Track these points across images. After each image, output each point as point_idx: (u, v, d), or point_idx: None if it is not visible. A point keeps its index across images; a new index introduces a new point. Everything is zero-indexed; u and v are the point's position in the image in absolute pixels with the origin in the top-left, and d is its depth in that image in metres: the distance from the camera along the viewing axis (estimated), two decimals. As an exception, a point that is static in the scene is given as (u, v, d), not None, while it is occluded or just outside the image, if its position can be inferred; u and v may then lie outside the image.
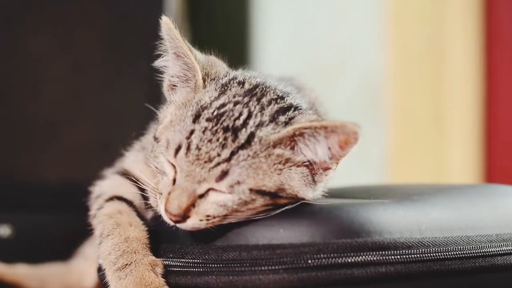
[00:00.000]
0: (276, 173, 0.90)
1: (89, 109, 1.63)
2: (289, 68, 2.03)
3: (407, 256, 0.89)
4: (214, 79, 0.97)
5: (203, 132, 0.90)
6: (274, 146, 0.90)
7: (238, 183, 0.89)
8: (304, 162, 0.92)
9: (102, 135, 1.62)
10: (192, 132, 0.90)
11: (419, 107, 2.33)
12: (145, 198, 1.00)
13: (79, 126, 1.63)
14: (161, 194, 0.92)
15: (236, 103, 0.92)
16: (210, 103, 0.93)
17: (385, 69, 2.29)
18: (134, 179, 1.01)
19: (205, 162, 0.89)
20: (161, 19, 0.96)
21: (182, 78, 0.98)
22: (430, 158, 2.33)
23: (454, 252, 0.92)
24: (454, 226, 0.95)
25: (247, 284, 0.88)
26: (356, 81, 2.30)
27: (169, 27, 0.96)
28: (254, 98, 0.93)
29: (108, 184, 1.06)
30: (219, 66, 1.00)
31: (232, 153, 0.88)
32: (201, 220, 0.90)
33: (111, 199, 1.02)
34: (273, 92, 0.96)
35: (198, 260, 0.91)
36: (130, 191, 1.02)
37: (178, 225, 0.91)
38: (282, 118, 0.92)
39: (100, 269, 0.97)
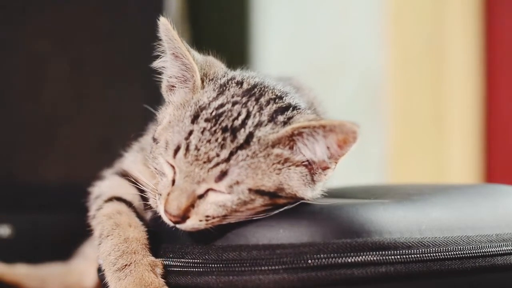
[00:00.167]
0: (275, 173, 0.90)
1: (89, 109, 1.63)
2: (289, 68, 2.03)
3: (407, 256, 0.89)
4: (212, 79, 0.97)
5: (202, 132, 0.90)
6: (273, 146, 0.90)
7: (237, 183, 0.89)
8: (303, 162, 0.92)
9: (102, 135, 1.62)
10: (190, 132, 0.90)
11: (419, 107, 2.33)
12: (144, 199, 1.00)
13: (79, 126, 1.63)
14: (160, 195, 0.92)
15: (234, 103, 0.92)
16: (209, 104, 0.93)
17: (385, 69, 2.29)
18: (133, 180, 1.01)
19: (204, 162, 0.88)
20: (159, 19, 0.96)
21: (181, 79, 0.98)
22: (430, 158, 2.33)
23: (454, 252, 0.92)
24: (454, 226, 0.95)
25: (247, 284, 0.88)
26: (356, 81, 2.30)
27: (167, 28, 0.95)
28: (253, 98, 0.93)
29: (107, 185, 1.06)
30: (217, 66, 1.00)
31: (231, 153, 0.88)
32: (200, 221, 0.90)
33: (110, 199, 1.02)
34: (272, 92, 0.96)
35: (198, 260, 0.91)
36: (129, 192, 1.02)
37: (177, 225, 0.91)
38: (280, 118, 0.92)
39: (100, 270, 0.97)
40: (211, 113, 0.91)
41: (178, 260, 0.93)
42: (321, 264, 0.87)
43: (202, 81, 0.96)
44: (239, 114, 0.91)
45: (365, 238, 0.88)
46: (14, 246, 1.56)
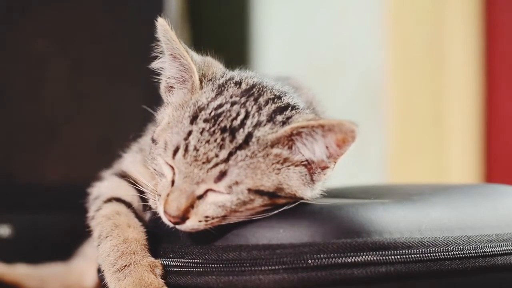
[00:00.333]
0: (275, 172, 0.90)
1: (89, 109, 1.63)
2: (289, 68, 2.03)
3: (407, 256, 0.89)
4: (211, 80, 0.97)
5: (201, 133, 0.89)
6: (272, 146, 0.90)
7: (237, 183, 0.89)
8: (302, 162, 0.92)
9: (102, 135, 1.62)
10: (189, 133, 0.90)
11: (419, 107, 2.33)
12: (144, 199, 1.00)
13: (79, 126, 1.63)
14: (159, 196, 0.92)
15: (233, 104, 0.92)
16: (207, 104, 0.92)
17: (385, 69, 2.29)
18: (132, 181, 1.01)
19: (203, 163, 0.88)
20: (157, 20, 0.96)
21: (179, 80, 0.98)
22: (430, 158, 2.33)
23: (454, 252, 0.92)
24: (454, 226, 0.95)
25: (247, 284, 0.88)
26: (356, 81, 2.29)
27: (165, 29, 0.95)
28: (251, 98, 0.93)
29: (106, 185, 1.06)
30: (216, 66, 1.00)
31: (230, 154, 0.88)
32: (200, 221, 0.90)
33: (109, 200, 1.02)
34: (270, 92, 0.95)
35: (198, 260, 0.91)
36: (128, 193, 1.02)
37: (177, 226, 0.91)
38: (279, 118, 0.92)
39: (100, 270, 0.97)
40: (210, 114, 0.91)
41: (178, 260, 0.93)
42: (321, 264, 0.87)
43: (201, 82, 0.96)
44: (238, 114, 0.91)
45: (365, 238, 0.88)
46: (14, 246, 1.57)
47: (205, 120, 0.90)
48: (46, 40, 1.61)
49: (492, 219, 0.99)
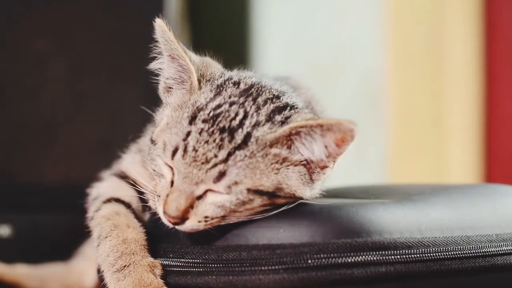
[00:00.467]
0: (274, 172, 0.90)
1: (89, 109, 1.63)
2: (289, 68, 2.03)
3: (407, 256, 0.89)
4: (209, 80, 0.97)
5: (200, 133, 0.89)
6: (271, 146, 0.90)
7: (236, 183, 0.88)
8: (301, 161, 0.92)
9: (102, 135, 1.62)
10: (188, 133, 0.90)
11: (419, 107, 2.33)
12: (143, 200, 1.00)
13: (79, 126, 1.63)
14: (159, 196, 0.92)
15: (232, 104, 0.92)
16: (206, 104, 0.92)
17: (385, 69, 2.29)
18: (131, 181, 1.01)
19: (202, 163, 0.88)
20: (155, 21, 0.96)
21: (178, 80, 0.98)
22: (430, 158, 2.33)
23: (454, 252, 0.92)
24: (454, 226, 0.95)
25: (247, 284, 0.88)
26: (356, 81, 2.29)
27: (163, 30, 0.95)
28: (250, 98, 0.93)
29: (106, 186, 1.06)
30: (214, 67, 1.00)
31: (229, 154, 0.88)
32: (199, 222, 0.90)
33: (108, 201, 1.02)
34: (269, 92, 0.95)
35: (198, 260, 0.91)
36: (127, 193, 1.02)
37: (177, 227, 0.91)
38: (278, 118, 0.92)
39: (99, 270, 0.97)
40: (208, 114, 0.91)
41: (178, 260, 0.93)
42: (321, 264, 0.87)
43: (199, 82, 0.96)
44: (236, 115, 0.91)
45: (365, 238, 0.88)
46: (14, 246, 1.57)
47: (204, 121, 0.90)
48: (46, 40, 1.61)
49: (492, 219, 0.99)
